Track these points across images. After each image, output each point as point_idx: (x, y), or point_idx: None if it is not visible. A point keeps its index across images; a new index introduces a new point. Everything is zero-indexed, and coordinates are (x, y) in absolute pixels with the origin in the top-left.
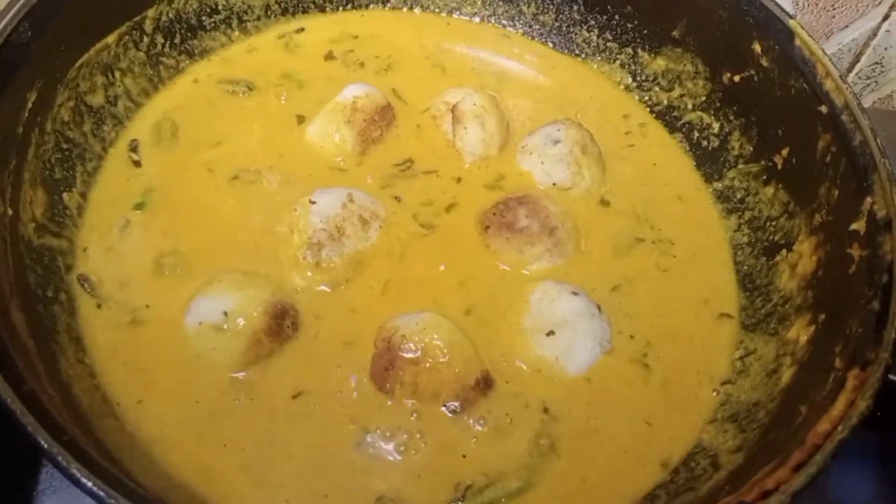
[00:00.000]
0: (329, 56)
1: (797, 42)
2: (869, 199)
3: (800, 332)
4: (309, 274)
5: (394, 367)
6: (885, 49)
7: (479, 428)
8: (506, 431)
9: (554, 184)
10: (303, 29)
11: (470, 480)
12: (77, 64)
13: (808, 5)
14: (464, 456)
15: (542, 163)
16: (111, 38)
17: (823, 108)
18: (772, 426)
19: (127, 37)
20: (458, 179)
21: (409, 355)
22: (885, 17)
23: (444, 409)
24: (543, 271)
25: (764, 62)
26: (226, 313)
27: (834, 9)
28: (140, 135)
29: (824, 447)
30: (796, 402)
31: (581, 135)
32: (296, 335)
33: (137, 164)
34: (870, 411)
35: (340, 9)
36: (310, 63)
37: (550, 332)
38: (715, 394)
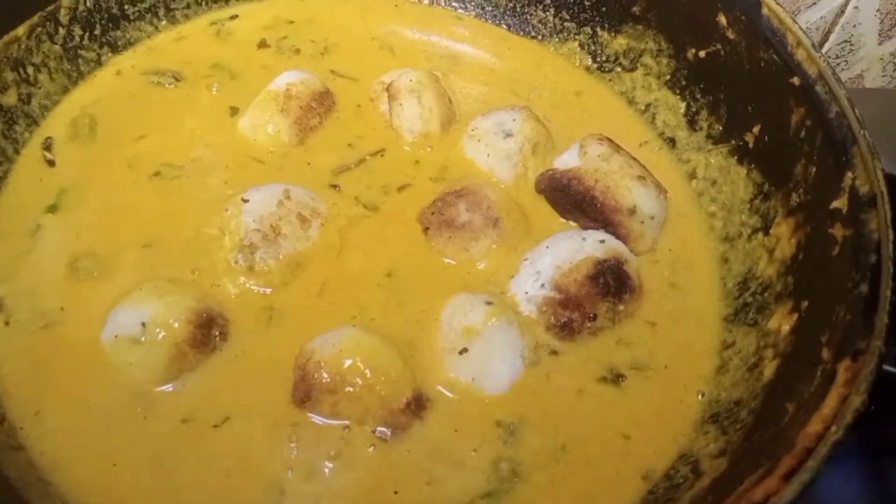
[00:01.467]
0: (262, 44)
1: (764, 11)
2: (850, 175)
3: (781, 322)
4: (241, 280)
5: (310, 398)
6: (854, 27)
7: (416, 455)
8: (452, 457)
9: (494, 178)
10: (236, 16)
11: None
12: None
13: None
14: (396, 492)
15: (489, 155)
16: (21, 31)
17: (796, 80)
18: (756, 426)
19: (40, 28)
20: (402, 162)
21: (325, 381)
22: None
23: (375, 434)
24: (496, 265)
25: (730, 34)
26: (144, 324)
27: None
28: (55, 132)
29: (817, 451)
30: (782, 399)
31: (536, 132)
32: (224, 346)
33: (52, 163)
34: (865, 407)
35: None
36: (242, 51)
37: (463, 350)
38: (701, 396)
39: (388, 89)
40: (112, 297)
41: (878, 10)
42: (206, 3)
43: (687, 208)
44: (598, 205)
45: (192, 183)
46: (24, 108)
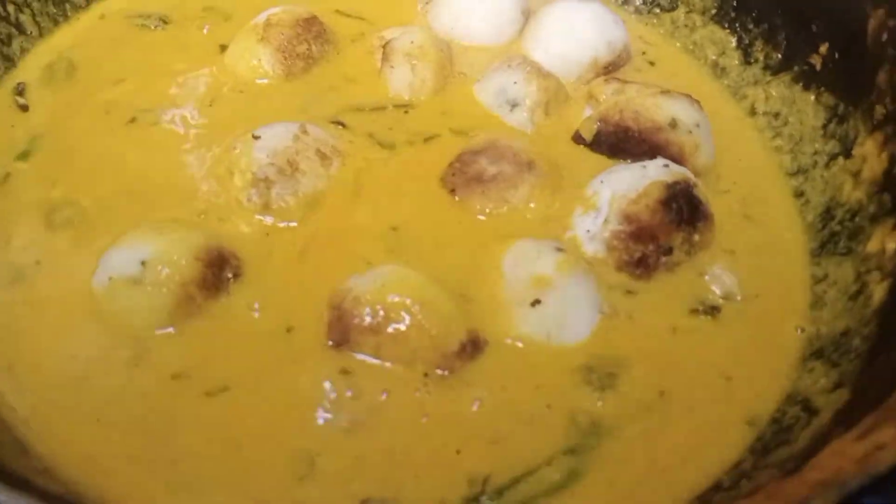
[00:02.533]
0: None
1: None
2: None
3: (884, 242)
4: (256, 218)
5: (347, 340)
6: None
7: (476, 406)
8: (522, 413)
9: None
10: None
11: (486, 472)
12: None
13: None
14: (458, 452)
15: (501, 118)
16: None
17: None
18: (875, 351)
19: None
20: (406, 110)
21: (367, 322)
22: None
23: (429, 380)
24: (545, 206)
25: None
26: (143, 263)
27: None
28: (30, 77)
29: None
30: None
31: (542, 89)
32: (236, 289)
33: (24, 108)
34: None
35: None
36: None
37: (535, 302)
38: (800, 332)
39: (384, 47)
40: (98, 246)
41: None
42: None
43: (749, 145)
44: (636, 133)
45: (173, 125)
46: (3, 49)
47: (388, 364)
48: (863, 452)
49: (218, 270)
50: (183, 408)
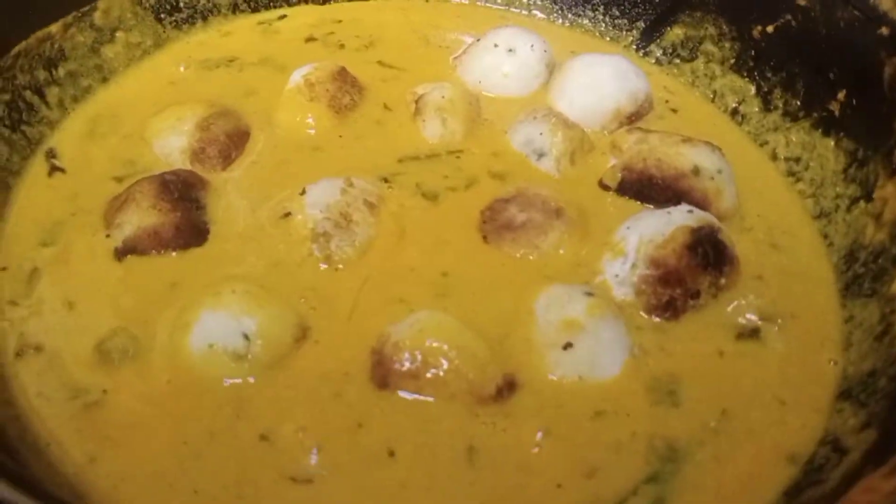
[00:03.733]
0: (310, 38)
1: None
2: None
3: None
4: (321, 267)
5: (388, 385)
6: None
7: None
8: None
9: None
10: (285, 16)
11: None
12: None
13: None
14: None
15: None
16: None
17: (884, 31)
18: None
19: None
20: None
21: (406, 367)
22: None
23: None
24: (573, 252)
25: (801, 1)
26: (247, 337)
27: None
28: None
29: None
30: None
31: (567, 139)
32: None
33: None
34: None
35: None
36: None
37: (567, 346)
38: (833, 364)
39: (416, 101)
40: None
41: None
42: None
43: (772, 190)
44: (660, 181)
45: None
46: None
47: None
48: (893, 488)
49: (302, 339)
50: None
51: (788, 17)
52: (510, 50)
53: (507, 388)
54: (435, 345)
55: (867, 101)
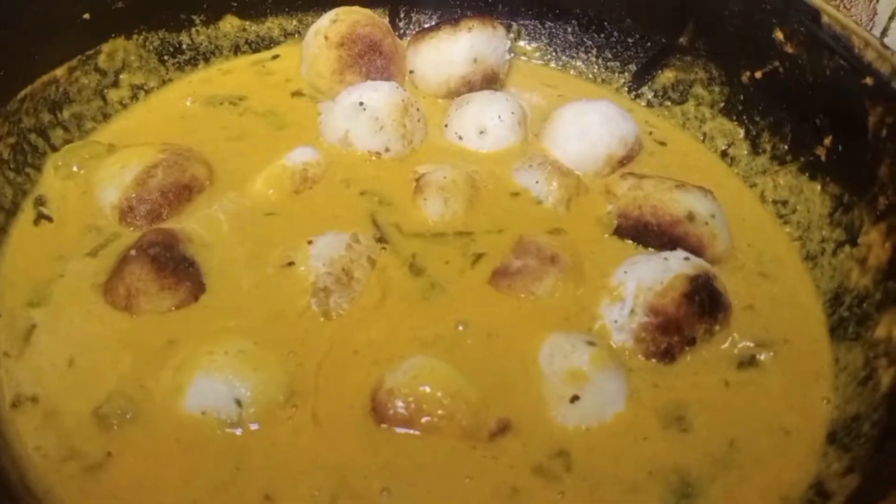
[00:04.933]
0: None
1: (825, 20)
2: None
3: (891, 329)
4: (321, 320)
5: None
6: None
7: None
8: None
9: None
10: (277, 55)
11: None
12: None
13: None
14: None
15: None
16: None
17: (868, 80)
18: (885, 437)
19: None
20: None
21: (400, 413)
22: None
23: None
24: (570, 298)
25: (789, 49)
26: (240, 403)
27: None
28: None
29: None
30: None
31: (563, 186)
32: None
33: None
34: None
35: None
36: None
37: (574, 398)
38: (825, 402)
39: (417, 180)
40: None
41: None
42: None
43: (762, 231)
44: (656, 227)
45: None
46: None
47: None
48: None
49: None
50: None
51: (776, 63)
52: (482, 133)
53: (500, 431)
54: (428, 390)
55: (852, 148)
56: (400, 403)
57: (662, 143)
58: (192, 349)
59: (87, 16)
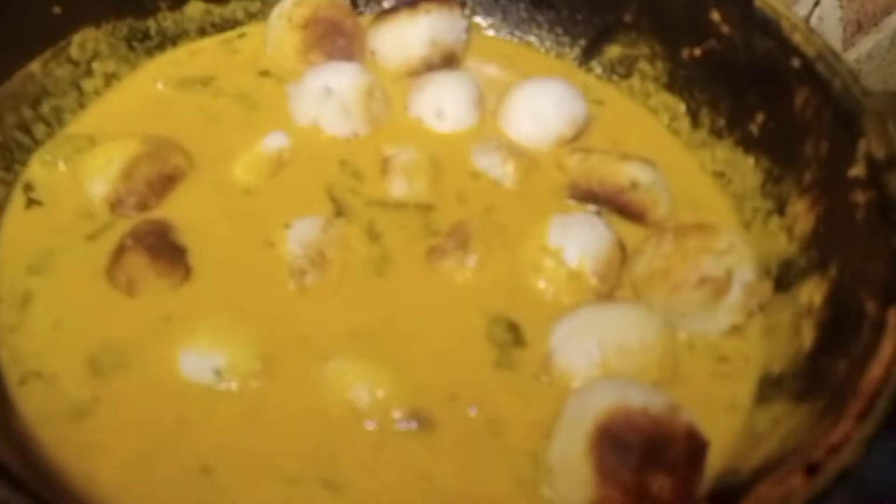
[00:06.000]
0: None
1: (757, 3)
2: (863, 142)
3: (812, 295)
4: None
5: None
6: None
7: None
8: None
9: None
10: (244, 34)
11: None
12: None
13: None
14: None
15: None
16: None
17: (795, 62)
18: (805, 392)
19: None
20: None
21: None
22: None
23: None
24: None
25: (724, 30)
26: (219, 372)
27: None
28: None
29: (884, 391)
30: (830, 362)
31: (519, 169)
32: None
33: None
34: None
35: None
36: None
37: None
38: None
39: (384, 161)
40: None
41: (840, 19)
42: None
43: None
44: (604, 196)
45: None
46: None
47: None
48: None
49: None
50: None
51: (713, 42)
52: (440, 115)
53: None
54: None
55: (781, 125)
56: None
57: (612, 116)
58: (181, 323)
59: (57, 10)
